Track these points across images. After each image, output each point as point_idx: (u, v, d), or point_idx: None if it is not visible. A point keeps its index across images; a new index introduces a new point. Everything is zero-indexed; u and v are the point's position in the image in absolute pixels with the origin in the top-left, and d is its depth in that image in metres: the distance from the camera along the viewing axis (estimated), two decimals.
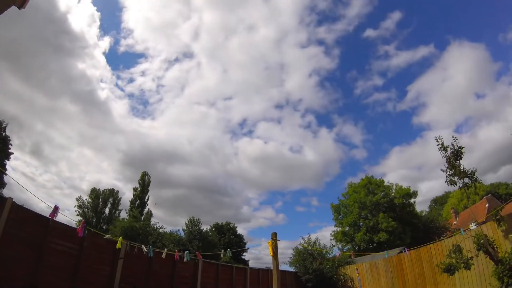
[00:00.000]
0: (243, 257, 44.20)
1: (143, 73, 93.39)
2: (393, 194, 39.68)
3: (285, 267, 25.64)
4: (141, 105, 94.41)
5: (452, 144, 10.67)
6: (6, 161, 34.33)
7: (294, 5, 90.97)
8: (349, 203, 42.37)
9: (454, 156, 10.51)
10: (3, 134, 33.62)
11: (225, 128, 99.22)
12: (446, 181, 10.72)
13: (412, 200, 39.83)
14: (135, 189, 44.12)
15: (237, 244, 43.23)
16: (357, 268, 21.57)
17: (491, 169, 67.22)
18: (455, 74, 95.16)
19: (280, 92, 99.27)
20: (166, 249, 14.77)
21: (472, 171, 10.27)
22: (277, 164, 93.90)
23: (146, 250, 12.13)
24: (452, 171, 10.52)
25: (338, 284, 22.43)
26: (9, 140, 34.61)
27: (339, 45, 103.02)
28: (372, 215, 39.12)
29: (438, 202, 67.01)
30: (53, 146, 67.52)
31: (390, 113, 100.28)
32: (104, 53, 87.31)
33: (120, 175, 79.15)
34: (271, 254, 11.37)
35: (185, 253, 14.47)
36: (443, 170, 10.80)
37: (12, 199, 7.88)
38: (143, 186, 44.47)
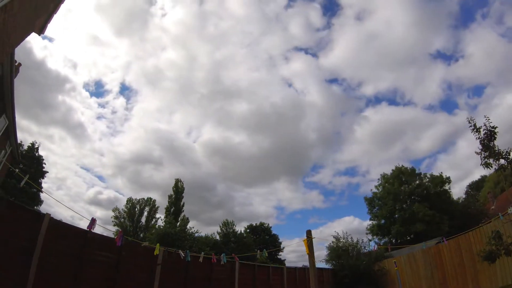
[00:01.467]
0: (279, 257, 43.87)
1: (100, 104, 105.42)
2: (427, 183, 38.31)
3: (321, 264, 25.24)
4: (109, 128, 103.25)
5: (485, 125, 10.07)
6: (42, 179, 35.63)
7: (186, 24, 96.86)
8: (383, 195, 41.08)
9: (488, 137, 9.93)
10: (36, 154, 34.99)
11: (178, 137, 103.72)
12: (481, 164, 10.13)
13: (447, 187, 38.32)
14: (169, 197, 43.72)
15: (272, 243, 42.94)
16: (395, 262, 20.83)
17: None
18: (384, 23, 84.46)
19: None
20: (203, 253, 14.76)
21: (507, 151, 9.66)
22: (241, 159, 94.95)
23: (183, 255, 12.08)
24: (487, 153, 9.93)
25: (376, 279, 21.78)
26: (43, 160, 35.89)
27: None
28: (407, 206, 37.87)
29: (474, 187, 64.29)
30: (58, 168, 76.05)
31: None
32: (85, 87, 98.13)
33: (116, 187, 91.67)
34: (307, 252, 11.08)
35: (221, 255, 14.39)
36: (477, 153, 10.22)
37: (50, 215, 8.03)
38: (177, 193, 44.01)
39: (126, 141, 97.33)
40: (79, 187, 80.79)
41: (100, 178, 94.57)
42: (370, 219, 43.22)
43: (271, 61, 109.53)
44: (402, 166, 41.55)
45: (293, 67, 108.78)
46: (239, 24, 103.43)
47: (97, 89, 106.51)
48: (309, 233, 11.07)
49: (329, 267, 25.00)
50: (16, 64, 5.44)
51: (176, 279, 12.81)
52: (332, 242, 24.98)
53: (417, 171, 40.07)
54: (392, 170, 41.73)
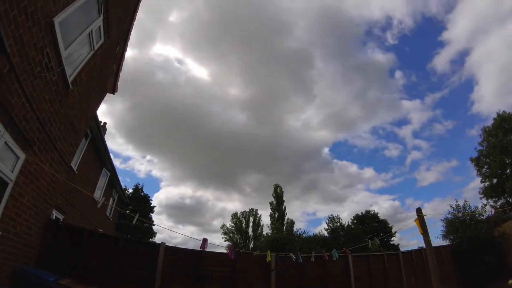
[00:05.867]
0: (392, 242, 40.37)
1: None
2: None
3: (438, 241, 22.53)
4: None
5: None
6: (151, 214, 38.72)
7: None
8: (489, 151, 34.58)
9: None
10: (142, 193, 38.32)
11: None
12: None
13: None
14: (271, 203, 43.27)
15: (383, 230, 39.71)
16: None
17: None
18: None
19: None
20: (313, 252, 14.27)
21: None
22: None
23: (294, 257, 11.82)
24: None
25: (499, 247, 18.48)
26: (149, 197, 39.05)
27: None
28: None
29: None
30: None
31: None
32: None
33: None
34: (421, 232, 9.86)
35: (332, 251, 13.71)
36: None
37: (165, 243, 8.50)
38: (278, 198, 43.33)
39: None
40: None
41: None
42: (482, 181, 37.13)
43: None
44: (504, 111, 34.18)
45: None
46: None
47: None
48: (419, 211, 9.86)
49: (446, 243, 22.11)
50: (102, 123, 6.07)
51: (291, 282, 12.51)
52: (449, 212, 21.95)
53: None
54: (494, 119, 35.07)
